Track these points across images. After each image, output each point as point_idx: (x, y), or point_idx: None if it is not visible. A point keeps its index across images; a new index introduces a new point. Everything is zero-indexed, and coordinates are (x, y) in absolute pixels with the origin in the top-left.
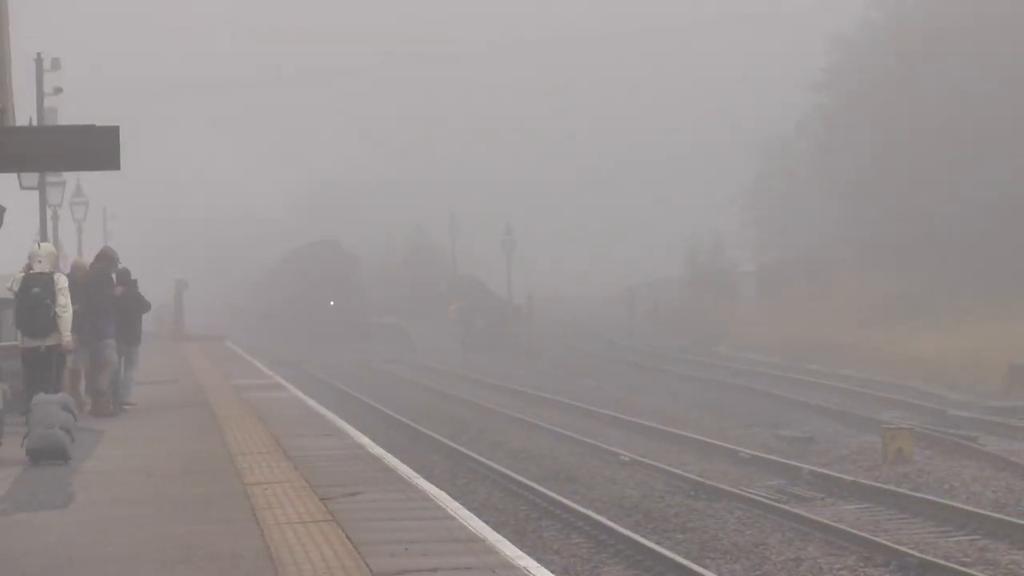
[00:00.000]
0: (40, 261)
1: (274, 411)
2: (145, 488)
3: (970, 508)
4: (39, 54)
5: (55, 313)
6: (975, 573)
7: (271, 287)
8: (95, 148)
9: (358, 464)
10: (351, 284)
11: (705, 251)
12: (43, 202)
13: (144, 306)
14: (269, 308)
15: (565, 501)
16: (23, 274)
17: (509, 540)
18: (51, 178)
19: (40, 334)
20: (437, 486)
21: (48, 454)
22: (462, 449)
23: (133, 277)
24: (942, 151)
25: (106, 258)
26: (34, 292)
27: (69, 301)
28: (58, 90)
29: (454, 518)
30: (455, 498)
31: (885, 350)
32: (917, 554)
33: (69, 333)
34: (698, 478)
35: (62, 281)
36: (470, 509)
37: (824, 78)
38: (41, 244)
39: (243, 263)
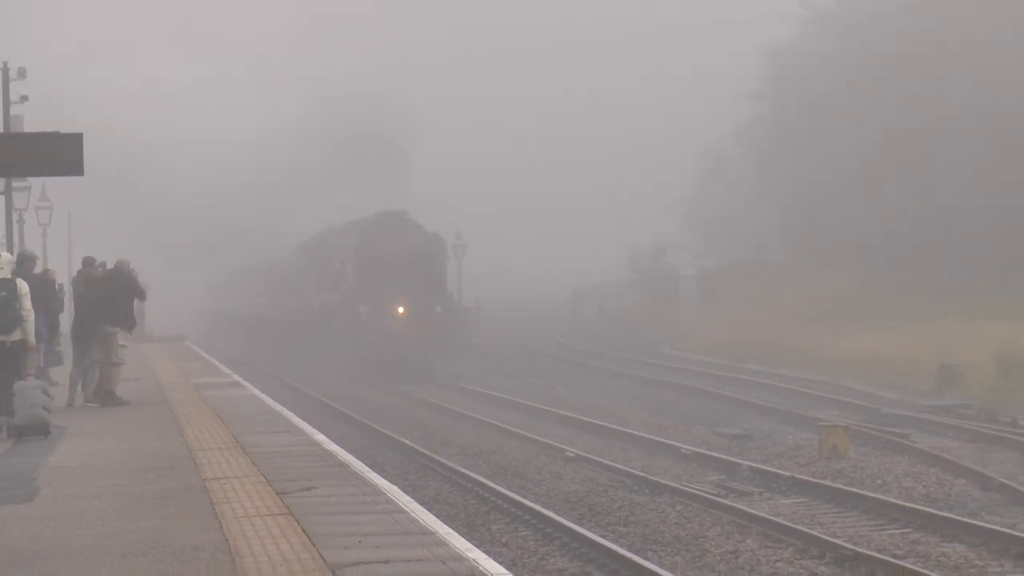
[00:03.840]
0: (2, 268)
1: (232, 409)
2: (107, 483)
3: (902, 502)
4: (5, 64)
5: (20, 315)
6: (907, 565)
7: (277, 287)
8: (59, 154)
9: (313, 460)
10: (437, 278)
11: (648, 255)
12: (9, 206)
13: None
14: (284, 319)
15: (513, 495)
16: None
17: (459, 533)
18: (16, 183)
19: (6, 331)
20: (389, 481)
21: (33, 430)
22: (414, 445)
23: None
24: (876, 161)
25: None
26: (1, 295)
27: (31, 305)
28: (24, 98)
29: (406, 512)
30: (407, 492)
31: (821, 351)
32: (851, 547)
33: (33, 335)
34: (641, 473)
35: (24, 287)
36: (421, 503)
37: (762, 89)
38: (2, 254)
39: (224, 255)
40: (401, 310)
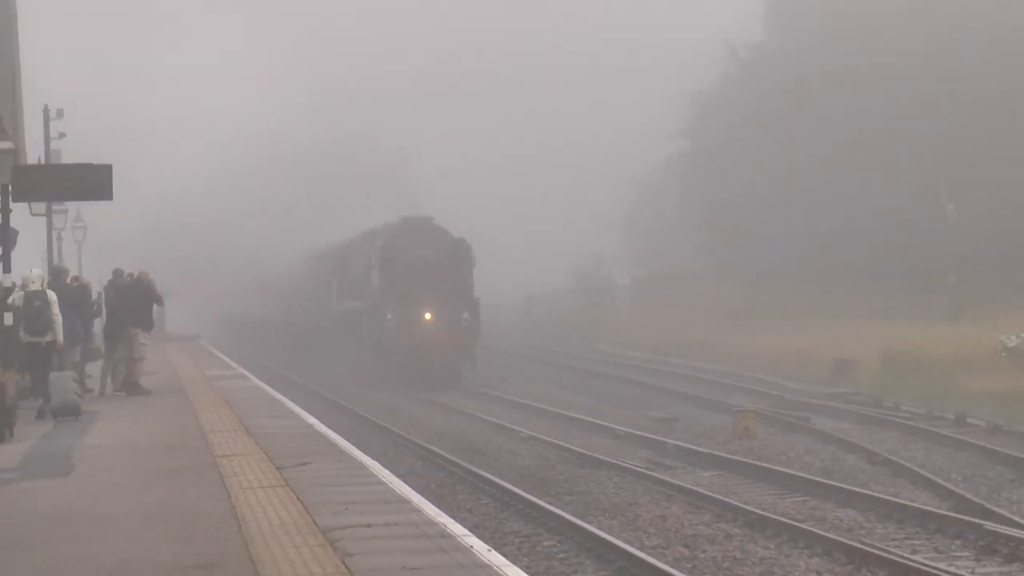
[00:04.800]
0: (34, 283)
1: (239, 397)
2: (133, 460)
3: (803, 474)
4: (46, 105)
5: (51, 320)
6: (806, 527)
7: (296, 294)
8: (92, 182)
9: (307, 440)
10: (464, 284)
11: (588, 267)
12: (49, 226)
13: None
14: (303, 325)
15: (475, 469)
16: (23, 292)
17: (430, 501)
18: (56, 207)
19: (40, 333)
20: (371, 458)
21: (67, 411)
22: (392, 428)
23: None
24: (778, 186)
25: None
26: (36, 305)
27: (59, 311)
28: (62, 135)
29: (385, 483)
30: (386, 467)
31: (735, 347)
32: (760, 512)
33: (61, 336)
34: (583, 451)
35: (53, 297)
36: (398, 476)
37: (687, 127)
38: (33, 270)
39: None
40: (428, 316)
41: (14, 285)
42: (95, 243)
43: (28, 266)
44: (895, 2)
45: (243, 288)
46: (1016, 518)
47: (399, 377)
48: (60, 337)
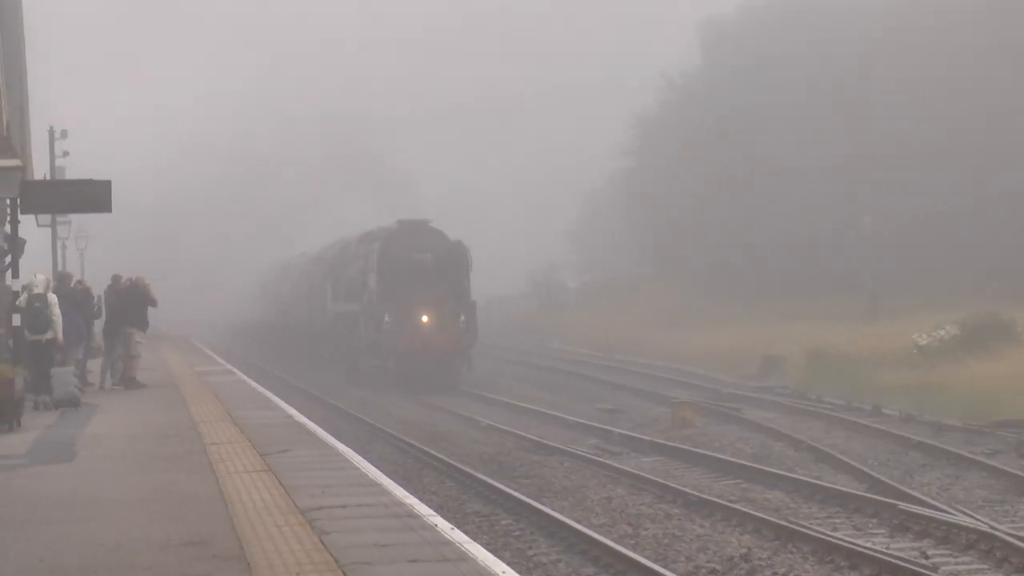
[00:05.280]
0: (37, 287)
1: (226, 391)
2: (130, 447)
3: (735, 460)
4: (51, 127)
5: (51, 320)
6: (738, 507)
7: (289, 296)
8: (92, 196)
9: (288, 429)
10: (460, 287)
11: (542, 273)
12: (54, 236)
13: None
14: (296, 327)
15: (440, 455)
16: (26, 295)
17: (399, 484)
18: (60, 218)
19: (41, 331)
20: (346, 445)
21: (67, 402)
22: (364, 418)
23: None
24: (715, 200)
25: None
26: (36, 306)
27: (59, 312)
28: (65, 153)
29: (358, 468)
30: (359, 454)
31: (674, 345)
32: (696, 493)
33: (61, 334)
34: (537, 439)
35: (53, 299)
36: (370, 462)
37: (629, 146)
38: (37, 275)
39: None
40: (425, 319)
41: (23, 289)
42: (97, 248)
43: (33, 272)
44: (808, 37)
45: (237, 290)
46: (927, 499)
47: (396, 380)
48: (60, 335)
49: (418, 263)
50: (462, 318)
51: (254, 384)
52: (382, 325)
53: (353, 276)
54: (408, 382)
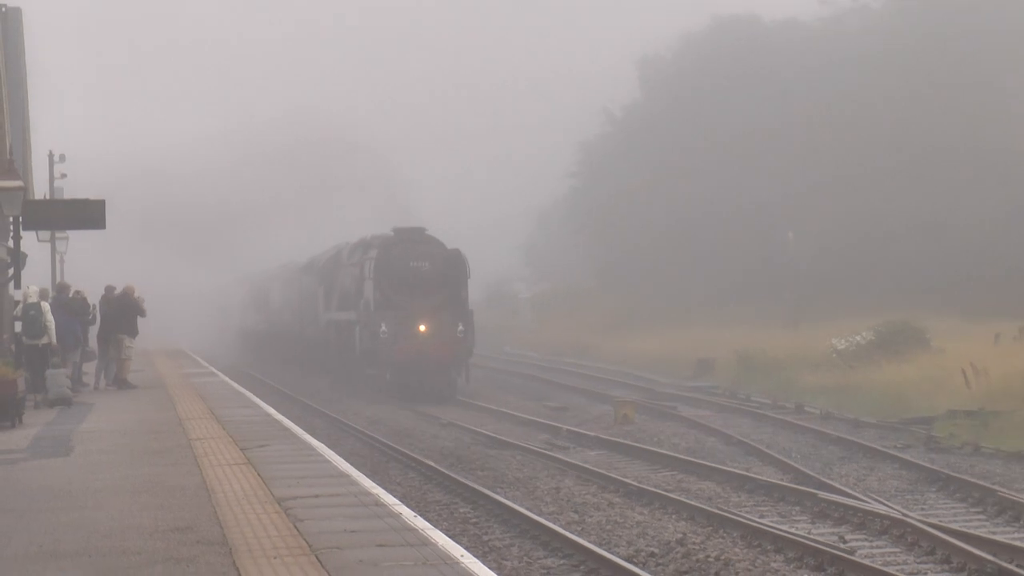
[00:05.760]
0: (31, 297)
1: (210, 391)
2: (122, 442)
3: (672, 453)
4: (50, 151)
5: (45, 325)
6: (675, 496)
7: (278, 304)
8: (88, 215)
9: (266, 426)
10: (458, 296)
11: (496, 283)
12: (53, 250)
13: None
14: (286, 334)
15: (403, 450)
16: (22, 304)
17: (366, 476)
18: (59, 234)
19: (36, 336)
20: (319, 440)
21: (60, 401)
22: (335, 416)
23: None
24: (653, 214)
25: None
26: (31, 314)
27: (52, 319)
28: (63, 175)
29: (329, 462)
30: (330, 448)
31: (616, 349)
32: (636, 484)
33: (55, 339)
34: (492, 434)
35: (46, 307)
36: (340, 455)
37: (575, 169)
38: (30, 287)
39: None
40: (423, 328)
41: (25, 298)
42: (94, 261)
43: (27, 284)
44: (738, 71)
45: (224, 299)
46: (844, 488)
47: (392, 389)
48: (54, 339)
49: (415, 271)
50: (460, 327)
51: (236, 385)
52: (378, 334)
53: (347, 284)
54: (405, 392)
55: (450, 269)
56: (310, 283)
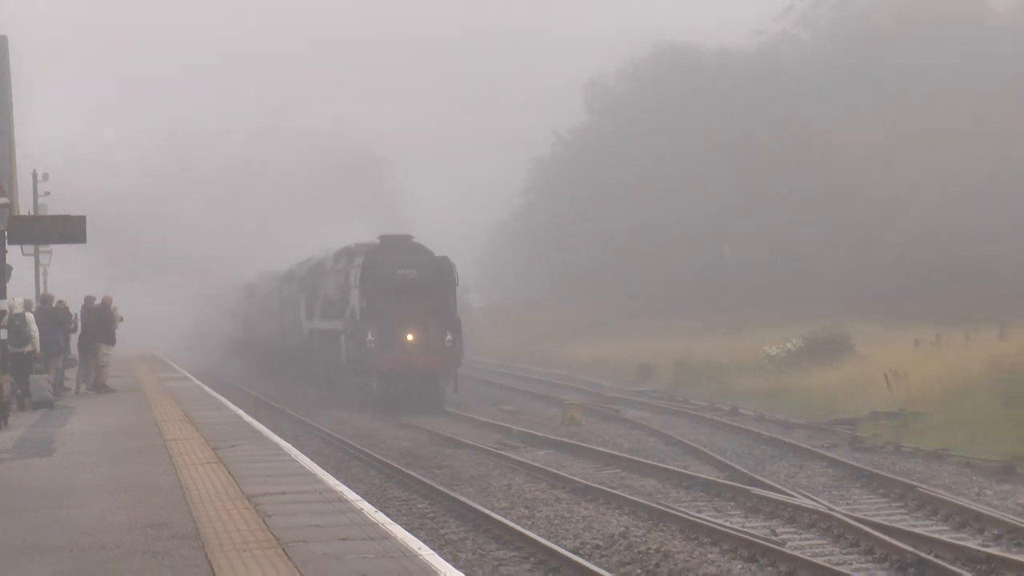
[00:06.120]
0: (16, 307)
1: (184, 395)
2: (101, 443)
3: (615, 452)
4: (35, 170)
5: (29, 334)
6: (618, 492)
7: (257, 312)
8: (70, 230)
9: (236, 427)
10: (447, 305)
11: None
12: (37, 263)
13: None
14: (266, 343)
15: (365, 449)
16: (8, 314)
17: (331, 474)
18: (42, 248)
19: (21, 344)
20: (286, 441)
21: (42, 404)
22: (302, 418)
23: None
24: (600, 230)
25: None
26: (16, 324)
27: (36, 328)
28: (47, 193)
29: (296, 461)
30: (297, 448)
31: (564, 356)
32: (582, 481)
33: (39, 347)
34: (449, 435)
35: (30, 317)
36: (306, 455)
37: (527, 186)
38: (15, 298)
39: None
40: (411, 337)
41: (11, 309)
42: (78, 274)
43: (12, 295)
44: (678, 95)
45: (200, 306)
46: (776, 485)
47: (379, 399)
48: (37, 347)
49: (402, 279)
50: (448, 336)
51: (209, 389)
52: (365, 343)
53: (331, 293)
54: (391, 402)
55: (438, 277)
56: (291, 291)
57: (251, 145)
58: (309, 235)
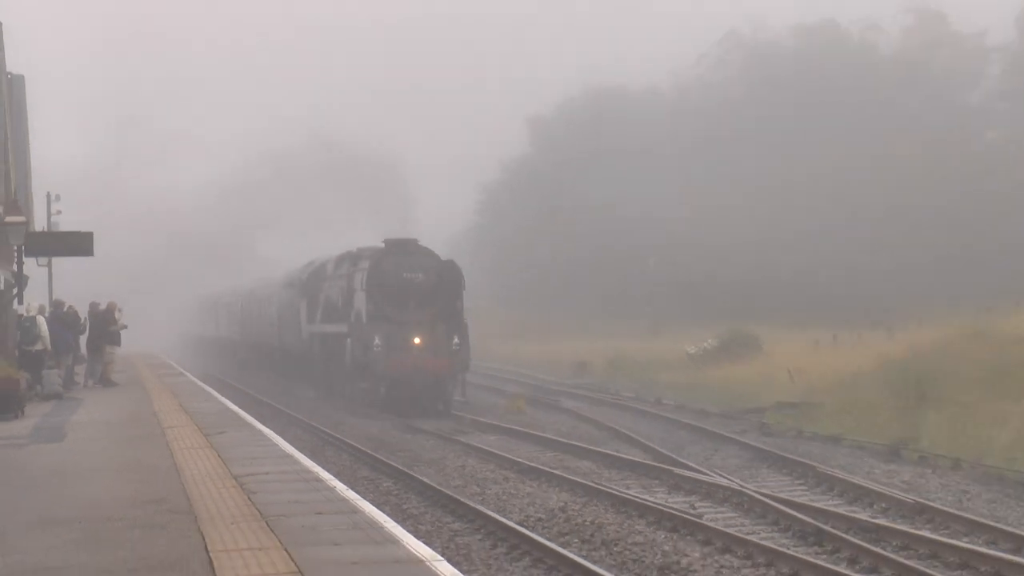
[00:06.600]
0: (30, 311)
1: (179, 388)
2: (106, 431)
3: (555, 438)
4: (48, 192)
5: (38, 334)
6: (558, 472)
7: (257, 316)
8: (79, 244)
9: (225, 416)
10: (454, 308)
11: None
12: (50, 273)
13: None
14: (267, 346)
15: (337, 435)
16: (22, 316)
17: (307, 456)
18: (56, 260)
19: (32, 344)
20: (269, 428)
21: (52, 396)
22: (282, 408)
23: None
24: (542, 246)
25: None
26: (26, 325)
27: (46, 329)
28: (58, 212)
29: (277, 445)
30: (278, 434)
31: (510, 354)
32: (527, 462)
33: (48, 343)
34: (411, 423)
35: (41, 320)
36: (286, 440)
37: (479, 206)
38: (29, 303)
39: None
40: (417, 341)
41: (27, 312)
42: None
43: (29, 300)
44: (605, 130)
45: (197, 310)
46: (694, 465)
47: (385, 403)
48: (48, 346)
49: (408, 282)
50: (455, 340)
51: (202, 384)
52: (372, 347)
53: (332, 297)
54: (398, 406)
55: (444, 280)
56: (291, 296)
57: (225, 159)
58: (301, 241)
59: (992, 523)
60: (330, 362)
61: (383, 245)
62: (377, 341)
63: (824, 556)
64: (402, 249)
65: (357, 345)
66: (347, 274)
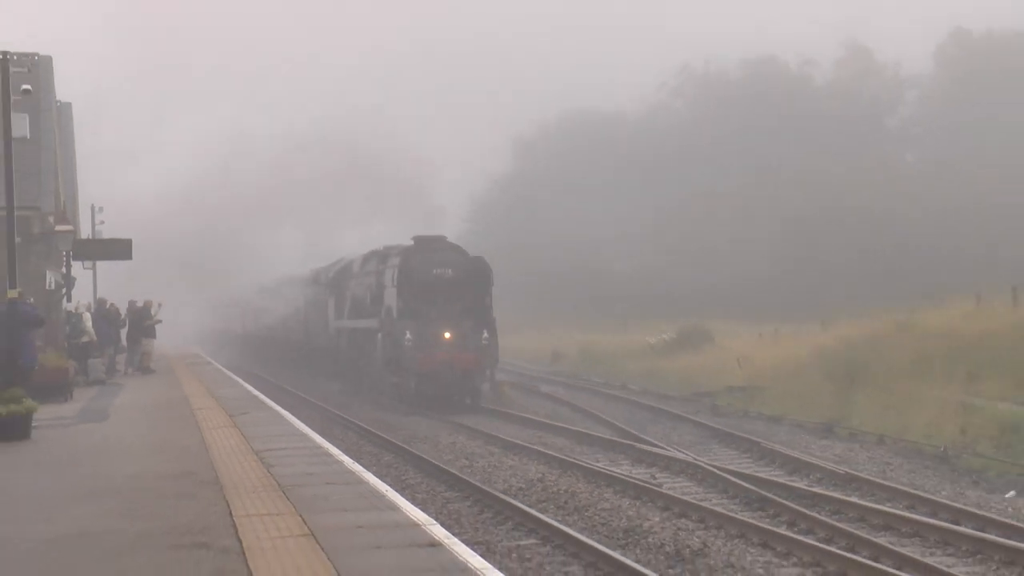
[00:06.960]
0: (76, 309)
1: (207, 375)
2: (144, 413)
3: (537, 418)
4: (93, 205)
5: (82, 328)
6: (536, 448)
7: (282, 313)
8: (119, 249)
9: (248, 400)
10: (483, 304)
11: None
12: (95, 275)
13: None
14: (294, 341)
15: (344, 416)
16: (67, 314)
17: (318, 434)
18: (100, 263)
19: (77, 337)
20: (285, 409)
21: (97, 382)
22: (298, 392)
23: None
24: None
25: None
26: (73, 321)
27: (91, 324)
28: (102, 221)
29: (292, 424)
30: (294, 415)
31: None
32: (510, 439)
33: (93, 336)
34: (408, 407)
35: (87, 317)
36: (301, 420)
37: (470, 215)
38: (79, 302)
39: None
40: (447, 336)
41: (76, 308)
42: (122, 282)
43: (78, 299)
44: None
45: (230, 309)
46: (655, 441)
47: (416, 397)
48: (93, 338)
49: (438, 278)
50: (484, 335)
51: (227, 372)
52: (402, 342)
53: (359, 294)
54: (428, 400)
55: (473, 276)
56: (318, 293)
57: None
58: (328, 239)
59: (911, 490)
60: (359, 358)
61: (411, 242)
62: (408, 336)
63: (767, 520)
64: (431, 246)
65: (388, 340)
66: (376, 271)
